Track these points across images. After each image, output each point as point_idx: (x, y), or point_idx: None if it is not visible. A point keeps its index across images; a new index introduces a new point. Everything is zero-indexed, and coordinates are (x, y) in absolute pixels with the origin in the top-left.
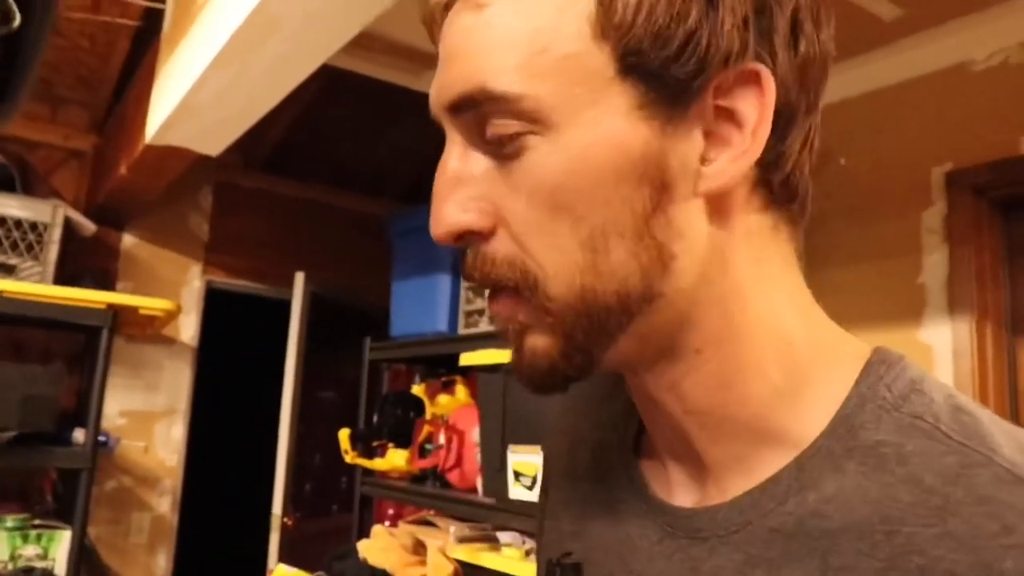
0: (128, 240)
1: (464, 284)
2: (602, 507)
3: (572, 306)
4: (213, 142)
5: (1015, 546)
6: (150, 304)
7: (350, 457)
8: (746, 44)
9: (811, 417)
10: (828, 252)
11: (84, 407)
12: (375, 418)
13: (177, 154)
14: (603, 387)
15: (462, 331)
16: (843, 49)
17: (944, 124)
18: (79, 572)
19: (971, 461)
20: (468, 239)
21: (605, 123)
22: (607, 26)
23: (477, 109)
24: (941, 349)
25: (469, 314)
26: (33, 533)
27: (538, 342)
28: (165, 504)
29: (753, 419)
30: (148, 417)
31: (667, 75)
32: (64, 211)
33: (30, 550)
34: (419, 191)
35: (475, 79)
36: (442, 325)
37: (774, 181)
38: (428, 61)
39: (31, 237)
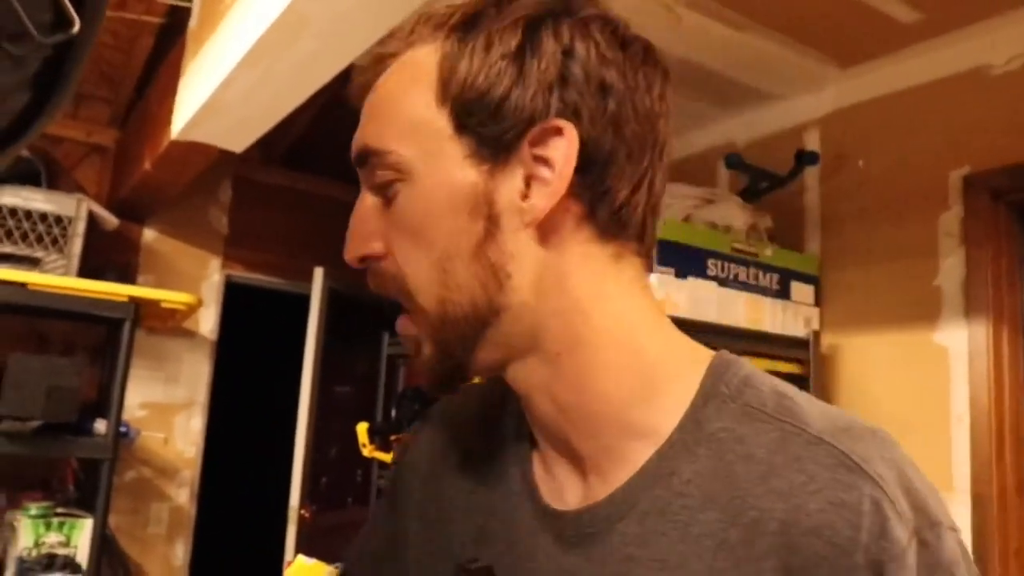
0: (149, 234)
1: None
2: (500, 514)
3: (437, 315)
4: (238, 139)
5: (817, 490)
6: (172, 297)
7: (368, 451)
8: (549, 106)
9: (666, 413)
10: (845, 254)
11: (105, 398)
12: (393, 412)
13: (201, 150)
14: (496, 403)
15: None
16: (860, 52)
17: (962, 128)
18: (100, 560)
19: (788, 433)
20: (368, 262)
21: (445, 171)
22: (444, 96)
23: (367, 162)
24: (957, 351)
25: None
26: (56, 521)
27: (425, 350)
28: (183, 495)
29: (615, 416)
30: (167, 409)
31: (489, 131)
32: (88, 205)
33: (53, 537)
34: None
35: (364, 140)
36: None
37: (601, 216)
38: None
39: (56, 231)
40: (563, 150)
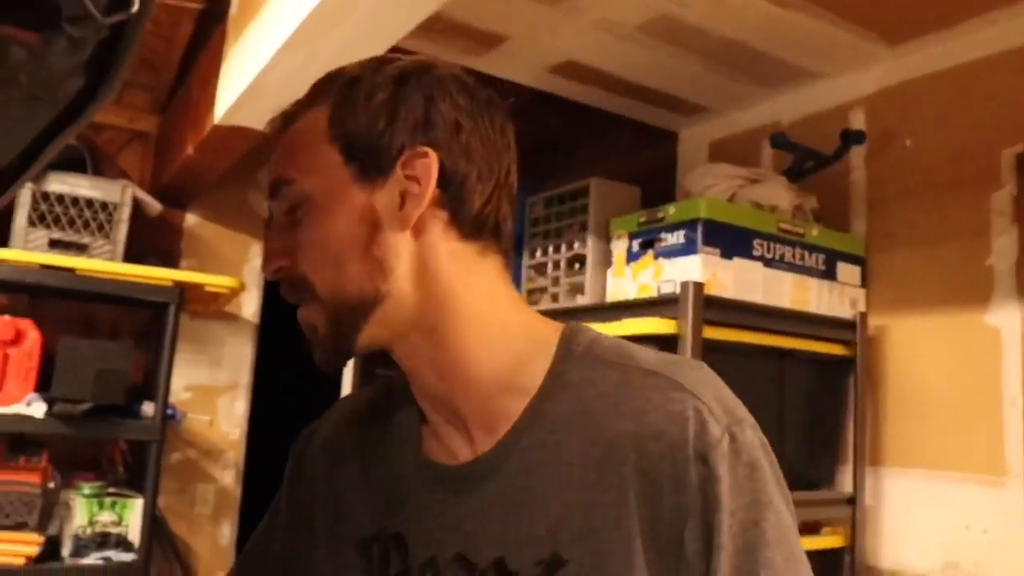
0: (191, 219)
1: (526, 263)
2: (399, 487)
3: (334, 303)
4: None
5: (654, 408)
6: (215, 281)
7: None
8: (415, 139)
9: (533, 373)
10: (892, 234)
11: (151, 381)
12: None
13: (243, 134)
14: (381, 401)
15: None
16: (909, 29)
17: (1014, 105)
18: (151, 539)
19: (628, 371)
20: (280, 272)
21: (338, 193)
22: (335, 135)
23: (279, 191)
24: (1010, 332)
25: (531, 292)
26: (108, 501)
27: (321, 331)
28: (229, 476)
29: (490, 378)
30: (212, 392)
31: (370, 160)
32: (132, 191)
33: (106, 516)
34: None
35: (276, 173)
36: None
37: (462, 221)
38: (489, 41)
39: (101, 216)
40: (427, 170)
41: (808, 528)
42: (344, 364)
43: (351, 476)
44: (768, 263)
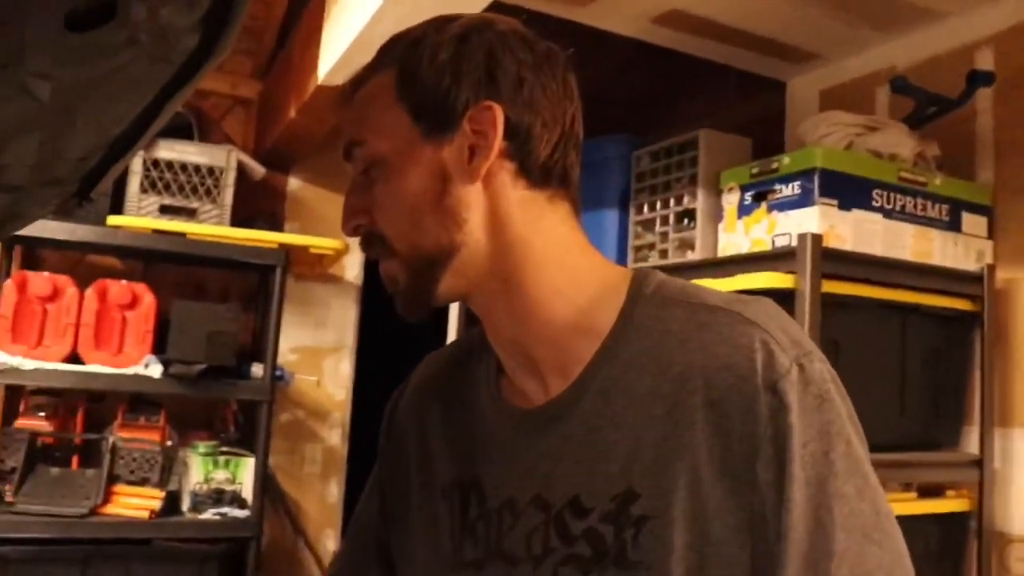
0: (294, 183)
1: (633, 218)
2: (478, 435)
3: (412, 256)
4: None
5: (721, 341)
6: (319, 243)
7: None
8: (479, 93)
9: (604, 316)
10: (1022, 183)
11: (260, 344)
12: None
13: None
14: (461, 356)
15: (632, 266)
16: None
17: None
18: (263, 496)
19: (695, 308)
20: (359, 230)
21: (409, 150)
22: (403, 96)
23: (352, 153)
24: None
25: (638, 248)
26: (222, 459)
27: (401, 284)
28: (335, 436)
29: (563, 322)
30: (317, 353)
31: (437, 117)
32: (237, 155)
33: (220, 474)
34: (585, 126)
35: (348, 136)
36: (611, 259)
37: (530, 170)
38: None
39: (209, 182)
40: (492, 123)
41: (931, 491)
42: (426, 315)
43: (435, 428)
44: (888, 214)
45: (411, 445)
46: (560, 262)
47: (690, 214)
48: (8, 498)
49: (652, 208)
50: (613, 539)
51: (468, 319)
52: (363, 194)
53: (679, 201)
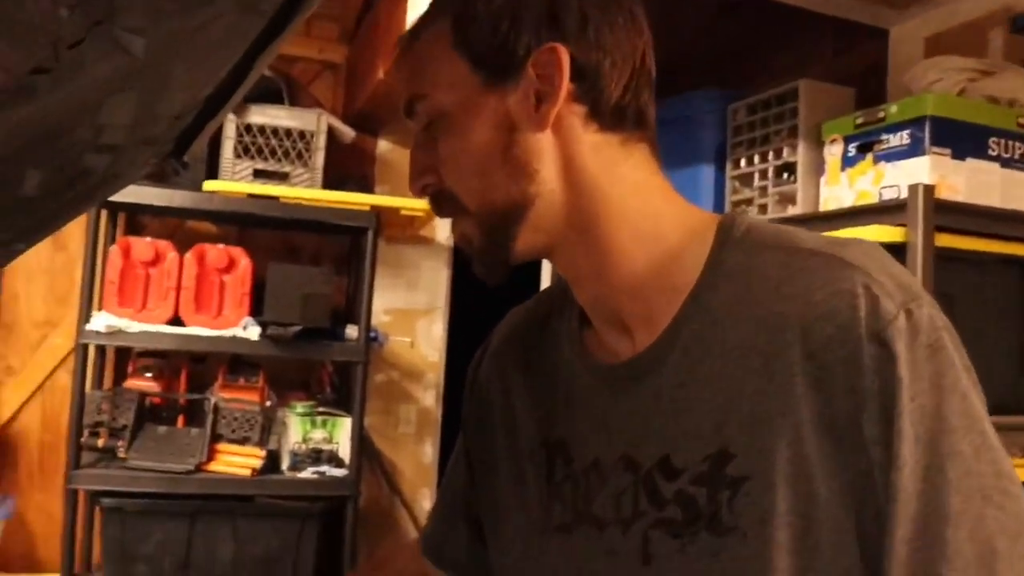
0: (383, 145)
1: (729, 173)
2: (562, 394)
3: (484, 213)
4: None
5: (819, 287)
6: (411, 205)
7: None
8: (541, 36)
9: (691, 264)
10: None
11: (353, 306)
12: None
13: None
14: (543, 311)
15: None
16: None
17: None
18: (360, 456)
19: (790, 253)
20: (427, 189)
21: (471, 102)
22: (461, 45)
23: (413, 109)
24: None
25: (736, 204)
26: (319, 419)
27: (476, 244)
28: (430, 397)
29: (647, 273)
30: (410, 315)
31: (498, 63)
32: (327, 119)
33: (318, 434)
34: (674, 81)
35: (408, 93)
36: None
37: (601, 113)
38: None
39: (300, 145)
40: (558, 66)
41: None
42: (505, 276)
43: (519, 388)
44: (1006, 163)
45: (495, 406)
46: (640, 209)
47: (790, 167)
48: (121, 454)
49: (750, 162)
50: (706, 502)
51: (560, 278)
52: (428, 151)
53: (778, 155)
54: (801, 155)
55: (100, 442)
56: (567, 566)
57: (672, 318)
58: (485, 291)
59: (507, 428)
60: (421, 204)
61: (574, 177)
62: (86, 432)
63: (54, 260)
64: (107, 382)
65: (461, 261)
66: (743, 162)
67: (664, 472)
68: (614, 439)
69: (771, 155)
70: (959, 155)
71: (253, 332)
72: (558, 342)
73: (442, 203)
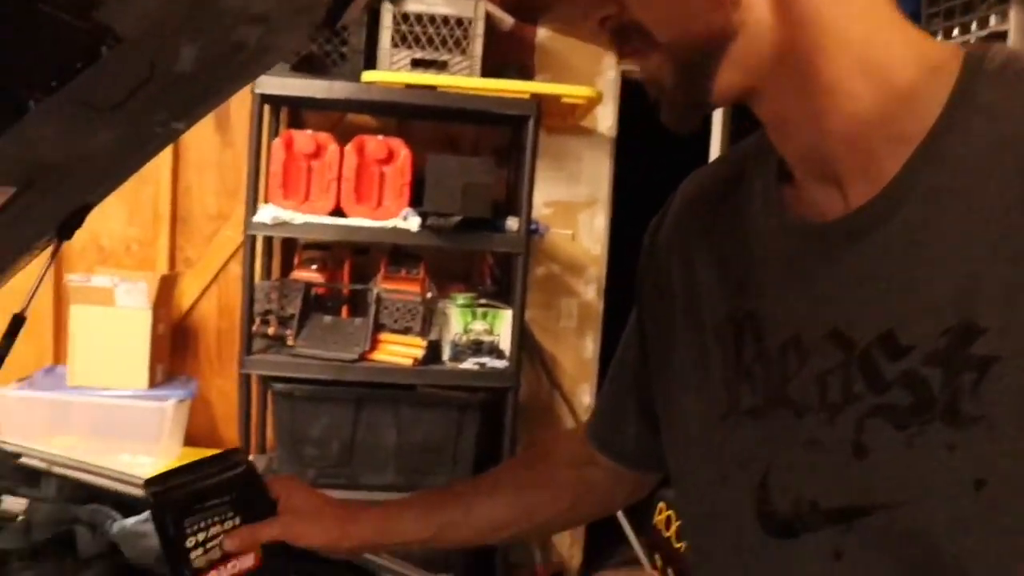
0: (543, 32)
1: None
2: (756, 259)
3: (676, 46)
4: None
5: None
6: (572, 92)
7: None
8: None
9: (929, 104)
10: None
11: (513, 197)
12: None
13: None
14: (731, 172)
15: None
16: None
17: None
18: (520, 348)
19: None
20: (608, 22)
21: None
22: None
23: None
24: None
25: None
26: (480, 311)
27: (668, 83)
28: (591, 291)
29: (876, 114)
30: (571, 207)
31: None
32: (485, 5)
33: (478, 325)
34: None
35: None
36: None
37: None
38: None
39: (458, 32)
40: None
41: None
42: (699, 121)
43: (702, 256)
44: None
45: (674, 277)
46: (865, 38)
47: (1000, 37)
48: (289, 342)
49: (948, 34)
50: (942, 386)
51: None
52: None
53: (983, 24)
54: (1013, 23)
55: (271, 330)
56: (754, 456)
57: (903, 165)
58: (648, 183)
59: (688, 299)
60: (583, 90)
61: (786, 1)
62: (257, 320)
63: (223, 156)
64: (275, 273)
65: (624, 153)
66: (940, 34)
67: (886, 350)
68: (821, 311)
69: (974, 25)
70: None
71: (413, 223)
72: (750, 202)
73: (627, 37)
